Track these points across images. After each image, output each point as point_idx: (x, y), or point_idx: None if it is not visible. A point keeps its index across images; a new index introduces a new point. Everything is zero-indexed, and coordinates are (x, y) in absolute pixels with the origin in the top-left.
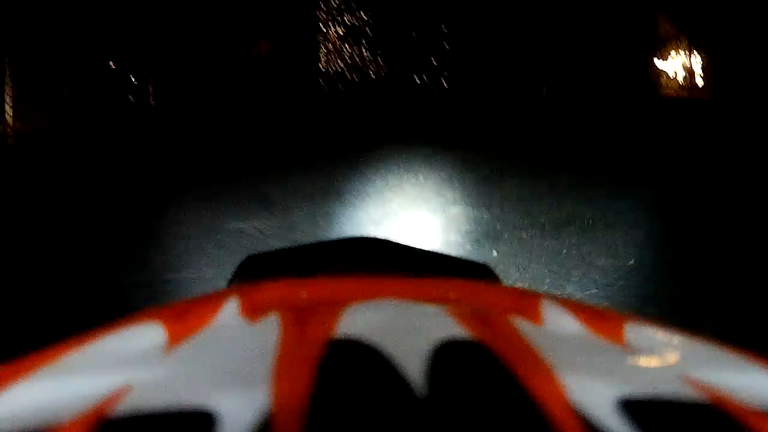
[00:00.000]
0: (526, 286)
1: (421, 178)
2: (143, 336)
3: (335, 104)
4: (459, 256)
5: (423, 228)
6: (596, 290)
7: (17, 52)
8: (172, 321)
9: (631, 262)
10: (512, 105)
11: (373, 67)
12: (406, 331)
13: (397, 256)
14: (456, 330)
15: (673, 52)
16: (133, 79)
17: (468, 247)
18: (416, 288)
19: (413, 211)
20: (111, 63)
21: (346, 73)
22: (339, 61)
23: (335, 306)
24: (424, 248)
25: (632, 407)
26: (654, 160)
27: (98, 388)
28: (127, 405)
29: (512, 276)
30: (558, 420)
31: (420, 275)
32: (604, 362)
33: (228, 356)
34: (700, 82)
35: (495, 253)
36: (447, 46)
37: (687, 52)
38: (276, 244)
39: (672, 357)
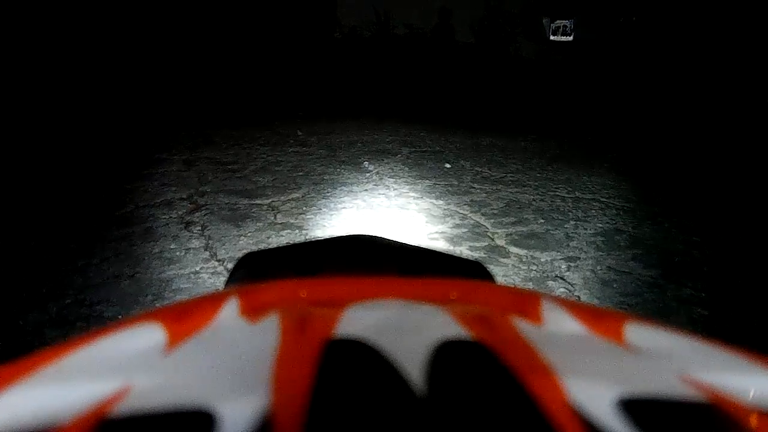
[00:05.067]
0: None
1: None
2: (143, 337)
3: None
4: (452, 254)
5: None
6: None
7: None
8: (172, 321)
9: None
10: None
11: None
12: (406, 331)
13: (392, 254)
14: (456, 330)
15: None
16: None
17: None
18: (416, 288)
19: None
20: None
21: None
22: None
23: (335, 306)
24: (418, 246)
25: (632, 407)
26: None
27: (98, 389)
28: (127, 406)
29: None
30: (558, 420)
31: (420, 275)
32: (604, 362)
33: (228, 356)
34: None
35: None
36: None
37: None
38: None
39: (672, 357)
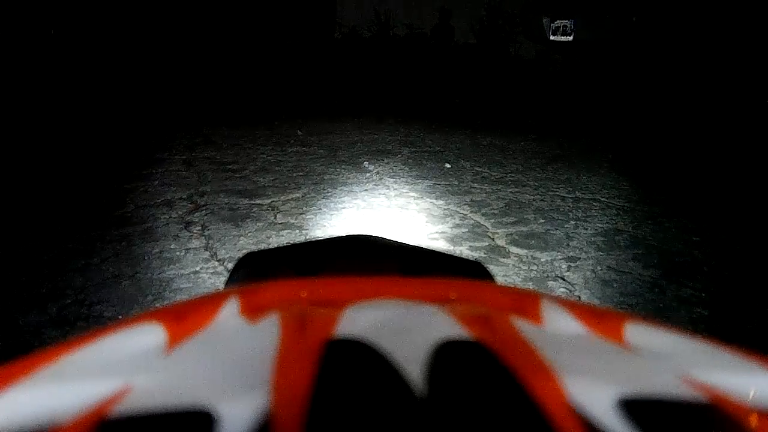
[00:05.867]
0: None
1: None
2: (142, 337)
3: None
4: (452, 254)
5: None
6: None
7: None
8: (172, 321)
9: None
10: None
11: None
12: (406, 331)
13: (392, 254)
14: (456, 330)
15: None
16: None
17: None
18: (416, 288)
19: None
20: None
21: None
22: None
23: (335, 306)
24: (419, 246)
25: (632, 407)
26: None
27: (98, 389)
28: (127, 406)
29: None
30: (558, 420)
31: (420, 275)
32: (604, 362)
33: (228, 357)
34: None
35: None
36: None
37: None
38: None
39: (673, 356)
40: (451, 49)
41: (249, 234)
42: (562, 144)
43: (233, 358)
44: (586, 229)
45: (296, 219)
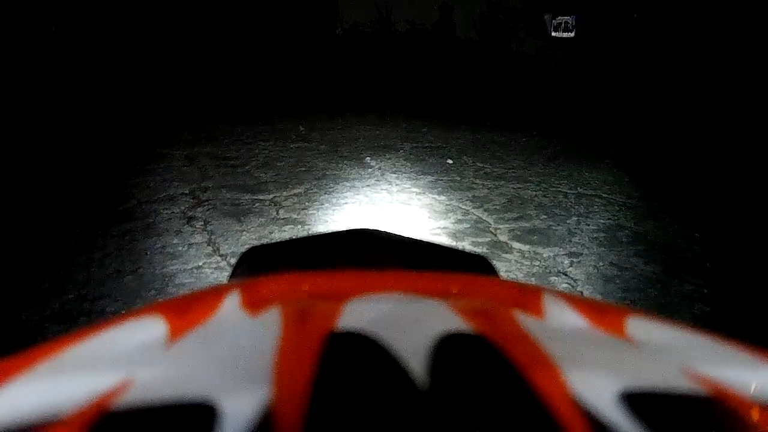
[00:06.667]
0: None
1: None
2: (144, 330)
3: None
4: (456, 248)
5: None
6: None
7: None
8: (174, 315)
9: None
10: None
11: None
12: (408, 324)
13: (395, 248)
14: (458, 323)
15: None
16: None
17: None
18: (418, 282)
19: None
20: None
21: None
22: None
23: (337, 299)
24: (421, 240)
25: (634, 400)
26: None
27: (100, 382)
28: (129, 398)
29: None
30: (560, 413)
31: (423, 269)
32: (606, 356)
33: (229, 350)
34: None
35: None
36: None
37: None
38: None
39: (674, 350)
40: (452, 44)
41: (251, 229)
42: (563, 140)
43: (235, 351)
44: (588, 224)
45: (298, 214)
